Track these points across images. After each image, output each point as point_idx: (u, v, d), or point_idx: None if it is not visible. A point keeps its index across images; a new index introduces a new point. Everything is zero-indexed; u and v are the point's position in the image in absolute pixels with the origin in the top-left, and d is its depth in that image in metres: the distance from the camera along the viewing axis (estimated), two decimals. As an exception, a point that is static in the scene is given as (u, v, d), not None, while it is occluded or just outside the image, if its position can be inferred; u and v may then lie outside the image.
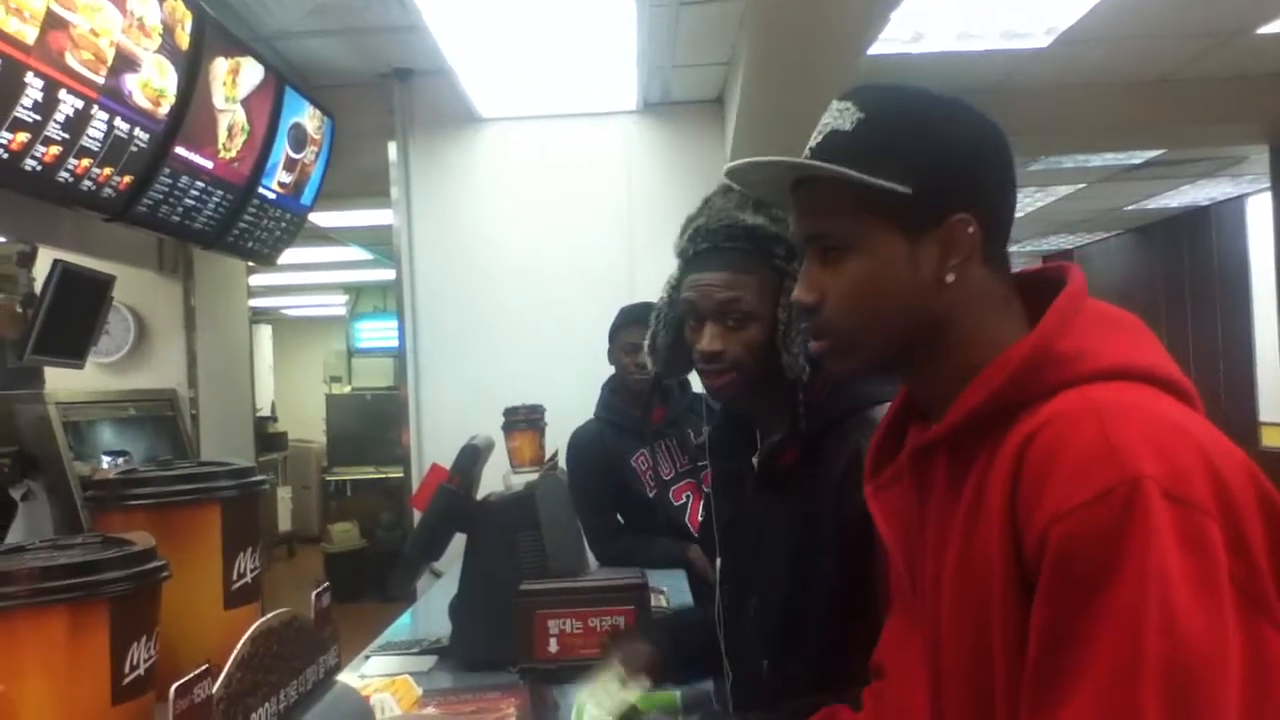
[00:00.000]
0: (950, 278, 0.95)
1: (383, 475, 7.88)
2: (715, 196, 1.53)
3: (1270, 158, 5.10)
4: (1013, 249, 1.02)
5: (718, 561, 1.64)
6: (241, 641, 0.88)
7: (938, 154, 0.96)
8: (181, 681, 0.77)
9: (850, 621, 1.40)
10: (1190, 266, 8.05)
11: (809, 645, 1.46)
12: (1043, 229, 8.29)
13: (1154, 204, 7.52)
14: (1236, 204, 7.37)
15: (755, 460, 1.56)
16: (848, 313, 0.99)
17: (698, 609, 1.79)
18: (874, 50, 3.41)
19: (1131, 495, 0.78)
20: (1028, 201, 7.05)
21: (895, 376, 1.11)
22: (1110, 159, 5.79)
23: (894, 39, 3.58)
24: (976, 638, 0.89)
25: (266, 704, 0.91)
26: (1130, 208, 7.68)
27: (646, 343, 1.63)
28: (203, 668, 0.79)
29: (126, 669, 0.82)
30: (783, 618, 1.49)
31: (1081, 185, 6.58)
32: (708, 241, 1.49)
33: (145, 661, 0.83)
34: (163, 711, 0.78)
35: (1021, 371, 0.90)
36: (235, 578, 1.04)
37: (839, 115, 0.99)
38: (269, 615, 0.94)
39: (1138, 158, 5.79)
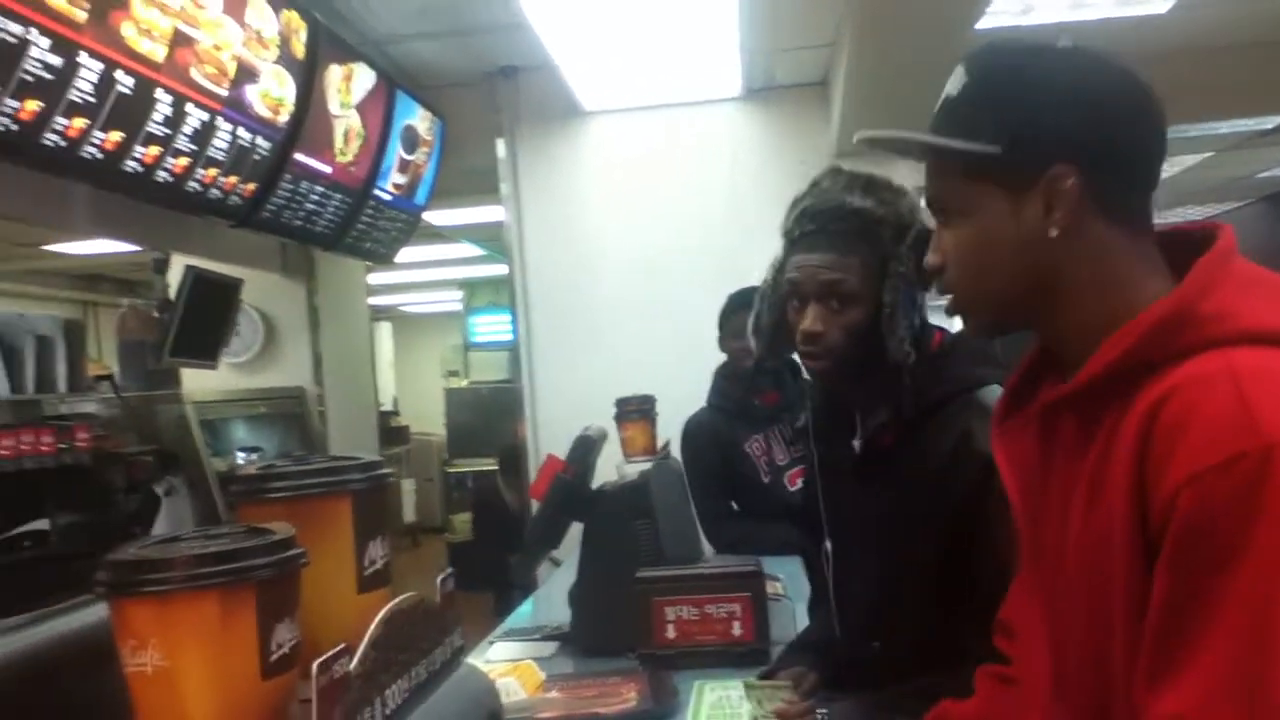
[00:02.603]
0: (1054, 232, 0.94)
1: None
2: (824, 178, 1.53)
3: None
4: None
5: (826, 544, 1.64)
6: (374, 623, 0.93)
7: (1029, 109, 0.95)
8: (323, 659, 0.83)
9: (956, 600, 1.40)
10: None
11: (914, 624, 1.46)
12: (1170, 201, 7.98)
13: (1289, 170, 7.15)
14: (1380, 165, 6.96)
15: (857, 443, 1.56)
16: (961, 272, 1.01)
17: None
18: (982, 24, 3.33)
19: (1265, 462, 0.76)
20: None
21: (1007, 353, 1.11)
22: (1240, 124, 5.52)
23: (1004, 12, 3.48)
24: (1097, 602, 0.88)
25: (399, 681, 0.96)
26: (1263, 175, 7.32)
27: (750, 323, 1.63)
28: (341, 646, 0.85)
29: (273, 647, 0.88)
30: (886, 597, 1.50)
31: (1209, 154, 6.30)
32: (814, 223, 1.49)
33: (289, 641, 0.89)
34: (305, 688, 0.84)
35: (1158, 331, 0.87)
36: (367, 564, 1.09)
37: (953, 80, 1.00)
38: (398, 599, 0.99)
39: (1269, 122, 5.51)
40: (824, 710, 1.48)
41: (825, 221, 1.48)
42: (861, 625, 1.58)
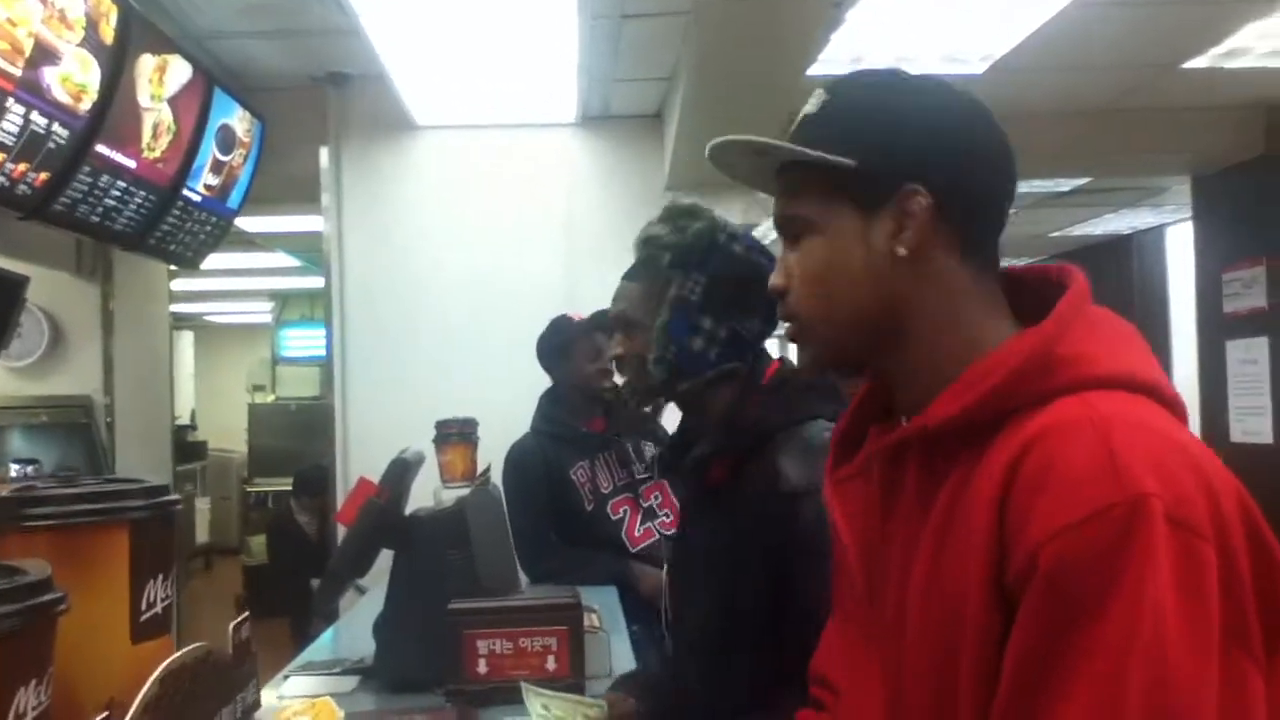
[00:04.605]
0: (901, 250, 0.92)
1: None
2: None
3: (1191, 188, 5.23)
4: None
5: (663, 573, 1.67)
6: (149, 682, 0.79)
7: (887, 126, 0.94)
8: (77, 728, 0.69)
9: (781, 640, 1.38)
10: (1113, 294, 8.24)
11: (738, 665, 1.43)
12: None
13: (1078, 231, 7.69)
14: (1157, 233, 7.56)
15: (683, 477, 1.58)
16: (807, 292, 0.98)
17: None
18: (814, 71, 3.42)
19: (1132, 515, 0.74)
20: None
21: (848, 383, 1.09)
22: (1038, 185, 5.90)
23: (834, 60, 3.60)
24: (942, 659, 0.85)
25: (177, 747, 0.83)
26: (1055, 234, 7.84)
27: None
28: (104, 714, 0.71)
29: (12, 719, 0.72)
30: (709, 636, 1.48)
31: (1010, 211, 6.72)
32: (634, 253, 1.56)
33: (34, 709, 0.72)
34: (56, 763, 0.70)
35: (1018, 375, 0.85)
36: (144, 608, 0.94)
37: (811, 101, 0.98)
38: (181, 652, 0.86)
39: (1065, 185, 5.91)
40: None
41: (636, 252, 1.55)
42: (688, 661, 1.56)
